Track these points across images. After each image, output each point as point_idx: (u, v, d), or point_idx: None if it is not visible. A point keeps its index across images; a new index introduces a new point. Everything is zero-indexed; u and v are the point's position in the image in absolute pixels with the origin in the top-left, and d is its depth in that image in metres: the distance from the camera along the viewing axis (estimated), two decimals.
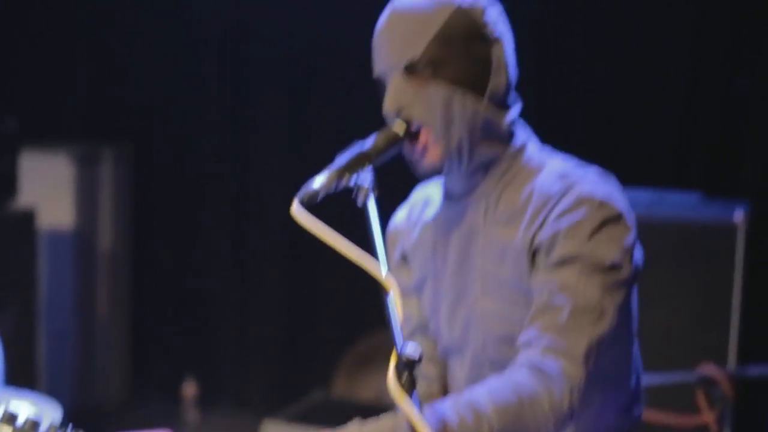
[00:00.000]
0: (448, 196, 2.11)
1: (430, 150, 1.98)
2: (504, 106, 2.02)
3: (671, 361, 3.37)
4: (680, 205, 3.81)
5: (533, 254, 1.95)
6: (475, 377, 2.05)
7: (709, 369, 3.22)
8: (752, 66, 4.38)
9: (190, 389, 5.49)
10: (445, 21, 1.95)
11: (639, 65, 4.61)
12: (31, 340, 5.00)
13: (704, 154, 4.46)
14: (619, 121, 4.65)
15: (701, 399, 3.37)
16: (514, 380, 1.82)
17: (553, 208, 1.93)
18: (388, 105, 1.97)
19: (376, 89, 2.05)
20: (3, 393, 2.26)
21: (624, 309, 1.94)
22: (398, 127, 1.96)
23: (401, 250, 2.21)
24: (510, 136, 2.04)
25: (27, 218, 4.99)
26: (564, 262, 1.89)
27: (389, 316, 1.55)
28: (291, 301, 5.49)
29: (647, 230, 3.51)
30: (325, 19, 5.19)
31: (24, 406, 2.13)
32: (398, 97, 1.96)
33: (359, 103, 5.11)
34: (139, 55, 5.64)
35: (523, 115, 2.10)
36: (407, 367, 1.47)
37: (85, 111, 5.76)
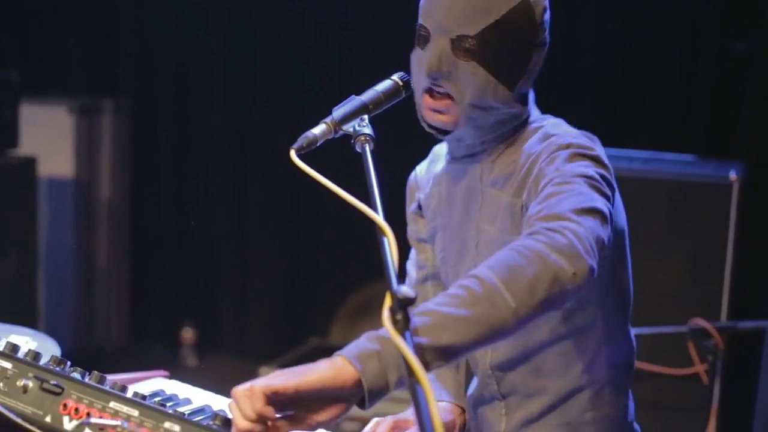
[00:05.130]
0: (452, 156, 2.14)
1: (447, 114, 1.99)
2: (524, 100, 2.05)
3: (665, 315, 3.41)
4: (676, 164, 3.83)
5: (521, 212, 1.94)
6: None
7: (701, 322, 3.27)
8: (750, 30, 4.38)
9: (188, 335, 5.54)
10: (510, 9, 1.95)
11: (637, 29, 4.61)
12: (33, 284, 5.05)
13: (700, 116, 4.47)
14: (616, 84, 4.65)
15: (693, 350, 3.42)
16: (513, 247, 1.68)
17: (534, 164, 1.93)
18: (429, 66, 1.96)
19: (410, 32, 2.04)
20: (3, 328, 2.30)
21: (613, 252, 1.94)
22: (400, 83, 1.99)
23: (417, 201, 2.28)
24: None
25: (28, 166, 5.02)
26: (546, 184, 1.82)
27: (384, 257, 1.57)
28: (290, 250, 5.52)
29: (643, 187, 3.56)
30: None
31: (25, 341, 2.17)
32: (439, 63, 1.96)
33: (362, 59, 5.13)
34: (141, 8, 5.64)
35: None
36: (402, 305, 1.48)
37: (86, 63, 5.76)
